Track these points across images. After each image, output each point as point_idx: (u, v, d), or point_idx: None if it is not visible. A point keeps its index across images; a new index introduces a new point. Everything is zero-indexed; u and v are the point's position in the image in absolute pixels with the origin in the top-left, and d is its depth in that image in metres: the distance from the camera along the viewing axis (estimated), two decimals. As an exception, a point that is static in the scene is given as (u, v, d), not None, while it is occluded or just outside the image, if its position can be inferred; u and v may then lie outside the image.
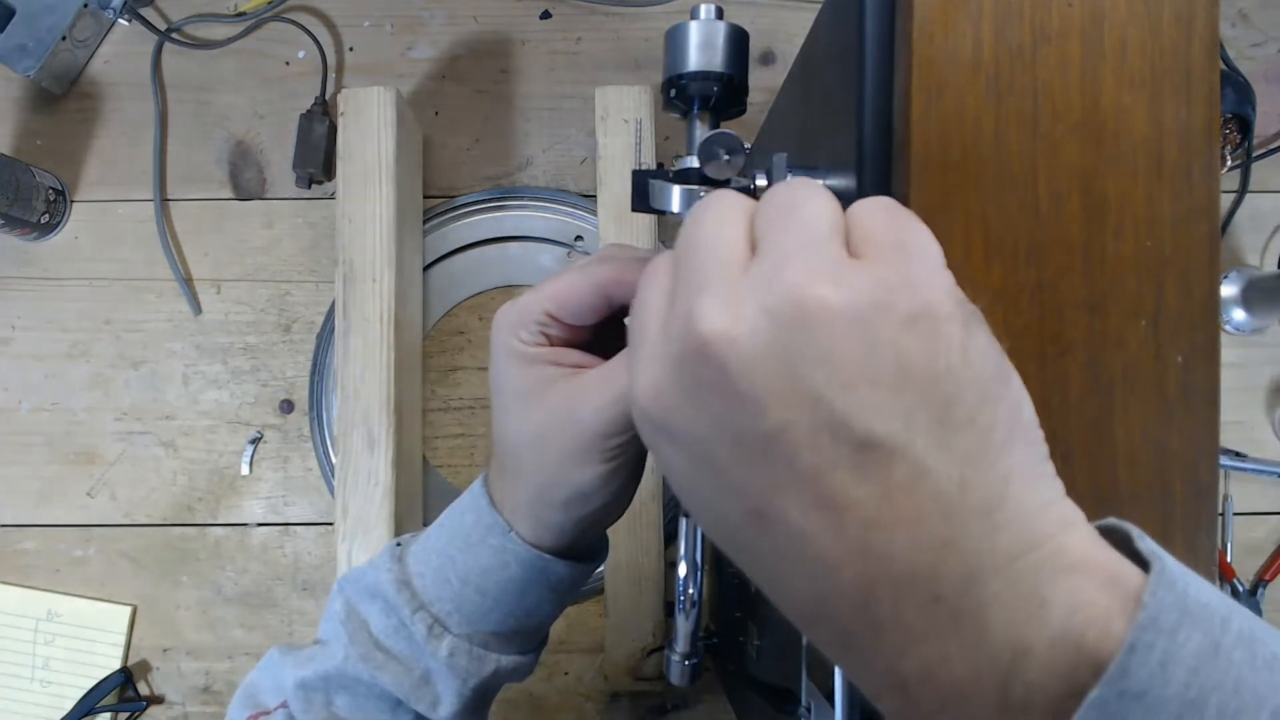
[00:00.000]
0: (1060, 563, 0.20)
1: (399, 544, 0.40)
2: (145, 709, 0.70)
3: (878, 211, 0.23)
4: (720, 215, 0.24)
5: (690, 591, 0.40)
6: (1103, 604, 0.19)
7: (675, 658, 0.41)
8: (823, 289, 0.20)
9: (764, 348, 0.21)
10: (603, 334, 0.35)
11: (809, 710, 0.36)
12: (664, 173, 0.32)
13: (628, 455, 0.33)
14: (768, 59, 0.74)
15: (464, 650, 0.38)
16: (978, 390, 0.21)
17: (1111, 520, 0.22)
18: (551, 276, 0.34)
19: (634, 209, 0.33)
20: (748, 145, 0.31)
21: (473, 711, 0.40)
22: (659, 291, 0.25)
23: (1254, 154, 0.72)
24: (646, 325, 0.24)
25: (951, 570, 0.20)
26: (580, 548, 0.38)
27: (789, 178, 0.32)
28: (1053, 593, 0.19)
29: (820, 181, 0.24)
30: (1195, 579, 0.19)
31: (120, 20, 0.72)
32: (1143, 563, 0.20)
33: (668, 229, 0.70)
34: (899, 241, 0.22)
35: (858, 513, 0.20)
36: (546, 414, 0.33)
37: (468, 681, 0.38)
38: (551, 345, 0.34)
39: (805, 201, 0.23)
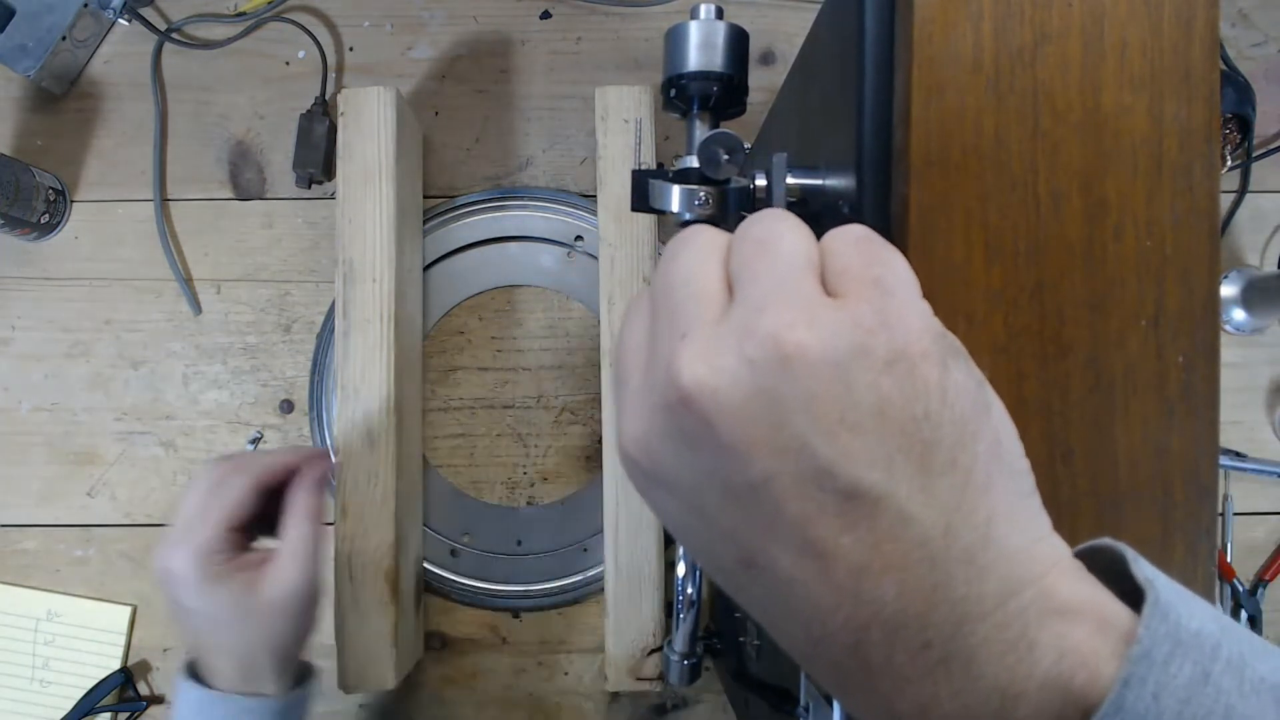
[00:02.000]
0: (1048, 605, 0.20)
1: None
2: (145, 709, 0.70)
3: (850, 243, 0.23)
4: (695, 254, 0.24)
5: (689, 591, 0.40)
6: (1091, 647, 0.19)
7: (674, 657, 0.41)
8: (801, 334, 0.20)
9: (746, 397, 0.21)
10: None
11: (807, 710, 0.36)
12: (664, 173, 0.32)
13: (313, 612, 0.49)
14: (767, 59, 0.74)
15: None
16: (957, 431, 0.21)
17: (1107, 541, 0.22)
18: (201, 507, 0.47)
19: (634, 209, 0.33)
20: (747, 145, 0.31)
21: None
22: (639, 333, 0.24)
23: (1254, 154, 0.72)
24: (629, 371, 0.24)
25: (940, 616, 0.20)
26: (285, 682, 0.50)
27: (788, 179, 0.32)
28: (1040, 636, 0.20)
29: (793, 213, 0.24)
30: (1188, 602, 0.20)
31: (120, 20, 0.72)
32: (1135, 586, 0.21)
33: (668, 229, 0.70)
34: (875, 278, 0.22)
35: (846, 560, 0.20)
36: (239, 605, 0.45)
37: None
38: (237, 552, 0.46)
39: (780, 236, 0.23)
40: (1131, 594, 0.21)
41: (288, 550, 0.47)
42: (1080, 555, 0.23)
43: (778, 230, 0.23)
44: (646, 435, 0.23)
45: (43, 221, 0.70)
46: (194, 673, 0.48)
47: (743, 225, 0.24)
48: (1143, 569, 0.21)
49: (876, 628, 0.20)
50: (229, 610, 0.45)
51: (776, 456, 0.20)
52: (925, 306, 0.22)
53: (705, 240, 0.24)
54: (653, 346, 0.23)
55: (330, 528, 0.54)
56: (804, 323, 0.20)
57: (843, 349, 0.20)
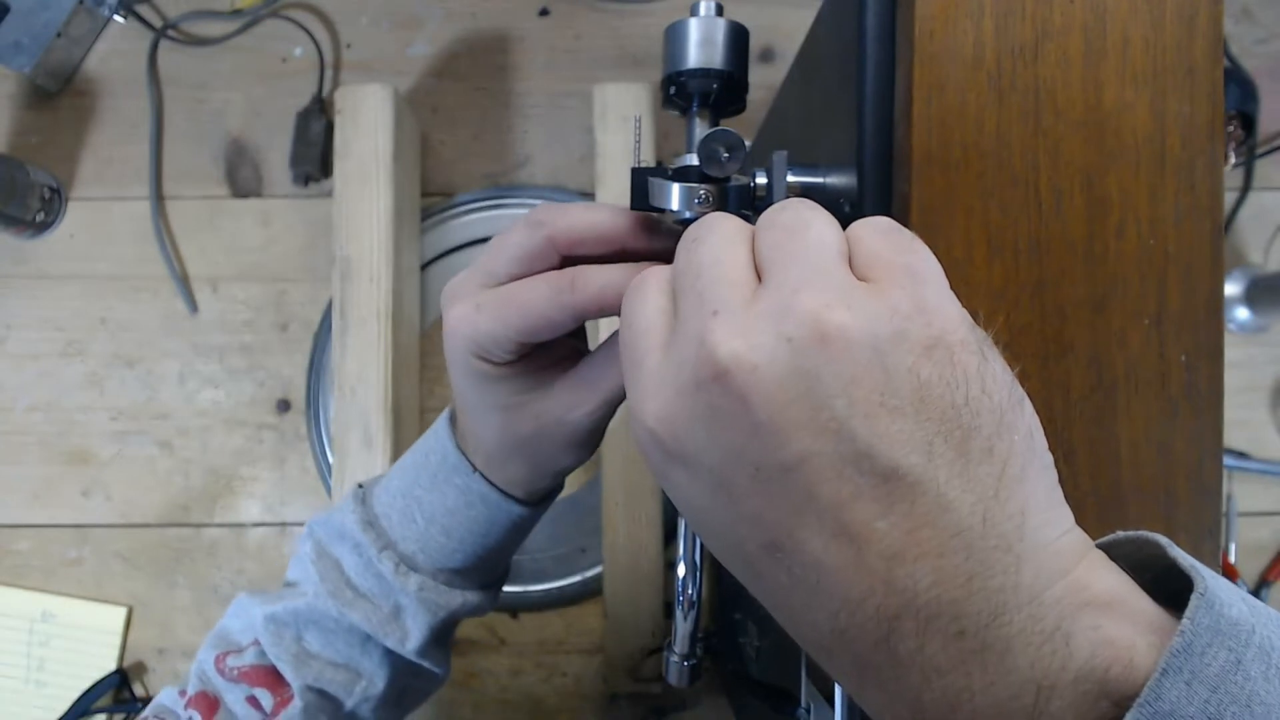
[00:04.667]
0: (1082, 597, 0.20)
1: (361, 486, 0.42)
2: (141, 710, 0.70)
3: (879, 233, 0.23)
4: (721, 238, 0.23)
5: (689, 592, 0.39)
6: (1126, 639, 0.19)
7: (674, 659, 0.41)
8: (841, 315, 0.20)
9: (784, 376, 0.20)
10: None
11: (808, 711, 0.36)
12: (663, 170, 0.32)
13: (588, 446, 0.37)
14: (767, 56, 0.73)
15: (431, 585, 0.39)
16: (994, 420, 0.20)
17: (1134, 533, 0.22)
18: (509, 290, 0.32)
19: (633, 207, 0.32)
20: (748, 143, 0.31)
21: (437, 644, 0.41)
22: (653, 312, 0.24)
23: (1258, 151, 0.72)
24: (646, 348, 0.24)
25: (976, 605, 0.20)
26: (548, 490, 0.41)
27: (788, 177, 0.32)
28: (1076, 627, 0.19)
29: (814, 201, 0.24)
30: (1226, 588, 0.19)
31: (115, 17, 0.72)
32: (1158, 576, 0.20)
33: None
34: (906, 265, 0.22)
35: (880, 545, 0.20)
36: (536, 421, 0.35)
37: (437, 614, 0.40)
38: (521, 357, 0.33)
39: (809, 223, 0.23)
40: (1149, 583, 0.21)
41: (585, 374, 0.34)
42: (1100, 548, 0.22)
43: (807, 217, 0.23)
44: (672, 412, 0.22)
45: (38, 220, 0.70)
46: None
47: (769, 212, 0.24)
48: (1183, 556, 0.20)
49: (908, 616, 0.20)
50: (499, 415, 0.35)
51: (814, 437, 0.20)
52: (955, 298, 0.22)
53: (730, 226, 0.24)
54: (677, 326, 0.23)
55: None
56: (842, 304, 0.20)
57: (882, 332, 0.20)
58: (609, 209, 0.32)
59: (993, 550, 0.20)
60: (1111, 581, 0.20)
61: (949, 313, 0.21)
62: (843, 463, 0.20)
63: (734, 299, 0.22)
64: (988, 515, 0.20)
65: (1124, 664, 0.19)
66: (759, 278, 0.23)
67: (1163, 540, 0.21)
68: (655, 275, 0.25)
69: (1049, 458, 0.22)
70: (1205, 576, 0.19)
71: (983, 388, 0.20)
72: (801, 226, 0.22)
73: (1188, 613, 0.19)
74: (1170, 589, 0.20)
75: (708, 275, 0.23)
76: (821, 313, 0.20)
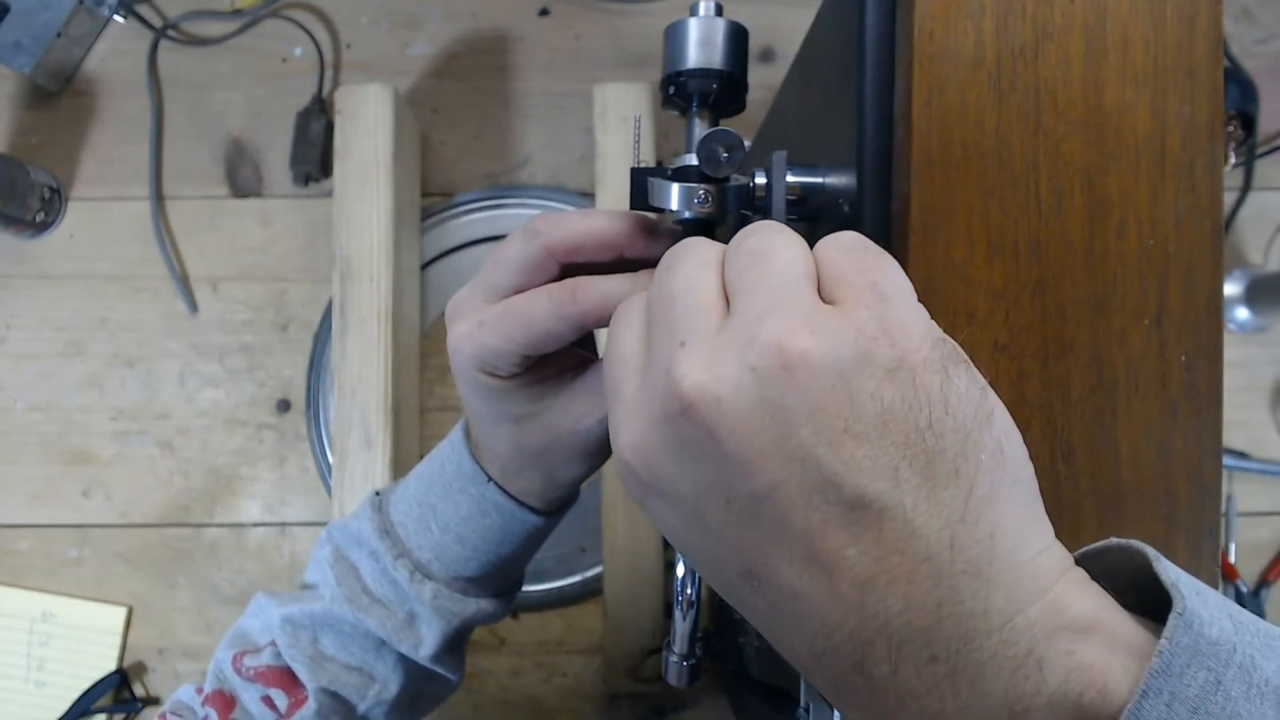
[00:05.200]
0: (1056, 621, 0.20)
1: (378, 494, 0.42)
2: (141, 710, 0.70)
3: (844, 251, 0.23)
4: (692, 266, 0.24)
5: (688, 592, 0.39)
6: (1101, 665, 0.19)
7: (674, 659, 0.41)
8: (804, 341, 0.20)
9: (749, 406, 0.20)
10: None
11: (808, 711, 0.36)
12: (663, 170, 0.32)
13: (603, 454, 0.36)
14: (767, 56, 0.73)
15: (445, 593, 0.39)
16: (959, 441, 0.20)
17: (1123, 541, 0.22)
18: (511, 304, 0.31)
19: (632, 207, 0.32)
20: (747, 143, 0.31)
21: (450, 651, 0.42)
22: (633, 339, 0.24)
23: (1258, 151, 0.72)
24: (623, 377, 0.24)
25: (946, 631, 0.20)
26: (564, 500, 0.41)
27: (788, 177, 0.32)
28: (1049, 652, 0.19)
29: (788, 223, 0.24)
30: (1207, 604, 0.19)
31: (115, 17, 0.72)
32: (1146, 583, 0.20)
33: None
34: (871, 283, 0.21)
35: (851, 572, 0.20)
36: (546, 431, 0.35)
37: (451, 622, 0.40)
38: (528, 369, 0.33)
39: (775, 248, 0.23)
40: (1140, 589, 0.21)
41: (595, 382, 0.34)
42: (1088, 555, 0.22)
43: (772, 242, 0.23)
44: (645, 445, 0.22)
45: (38, 220, 0.70)
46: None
47: (737, 238, 0.24)
48: (1167, 571, 0.20)
49: (881, 642, 0.20)
50: (509, 425, 0.35)
51: (781, 467, 0.20)
52: (923, 311, 0.22)
53: (702, 252, 0.24)
54: (649, 356, 0.23)
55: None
56: (806, 330, 0.20)
57: (845, 357, 0.20)
58: (605, 214, 0.32)
59: (961, 576, 0.20)
60: (1090, 603, 0.20)
61: (912, 331, 0.21)
62: (810, 491, 0.20)
63: (703, 327, 0.22)
64: (955, 540, 0.20)
65: (1098, 689, 0.19)
66: (729, 303, 0.22)
67: (1150, 553, 0.21)
68: (639, 301, 0.25)
69: (1025, 471, 0.21)
70: (1185, 595, 0.19)
71: (945, 408, 0.20)
72: (767, 251, 0.22)
73: (1165, 632, 0.19)
74: (1164, 597, 0.20)
75: (679, 304, 0.23)
76: (785, 340, 0.20)
